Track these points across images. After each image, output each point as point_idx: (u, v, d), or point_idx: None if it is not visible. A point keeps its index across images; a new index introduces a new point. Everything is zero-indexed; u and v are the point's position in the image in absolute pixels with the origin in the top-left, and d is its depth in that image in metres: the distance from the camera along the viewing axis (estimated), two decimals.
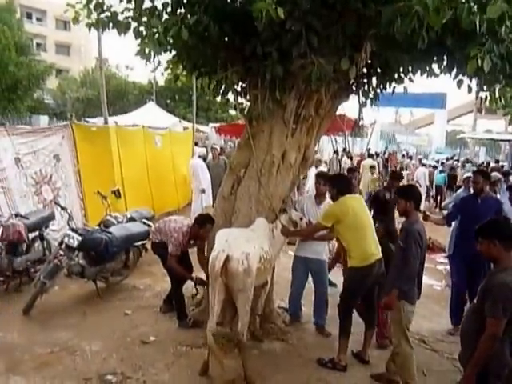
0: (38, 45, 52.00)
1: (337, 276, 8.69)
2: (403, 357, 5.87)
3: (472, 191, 8.40)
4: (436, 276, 11.27)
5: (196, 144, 19.17)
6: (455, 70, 6.43)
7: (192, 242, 7.78)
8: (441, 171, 23.70)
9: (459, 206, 8.33)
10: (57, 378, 5.86)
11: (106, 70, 35.00)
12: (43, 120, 31.83)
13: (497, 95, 6.99)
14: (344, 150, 20.51)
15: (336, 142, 19.32)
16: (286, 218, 7.30)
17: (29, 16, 60.16)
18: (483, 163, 29.82)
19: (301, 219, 7.42)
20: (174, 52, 7.15)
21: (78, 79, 51.93)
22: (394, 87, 7.41)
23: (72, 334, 7.06)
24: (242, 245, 6.07)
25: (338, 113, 8.22)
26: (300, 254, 7.87)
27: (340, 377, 6.39)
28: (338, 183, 6.93)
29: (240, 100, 7.41)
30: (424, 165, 25.29)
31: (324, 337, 7.66)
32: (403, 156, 35.16)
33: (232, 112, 42.96)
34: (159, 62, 7.04)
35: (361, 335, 6.91)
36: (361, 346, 6.93)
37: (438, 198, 22.06)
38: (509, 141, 38.96)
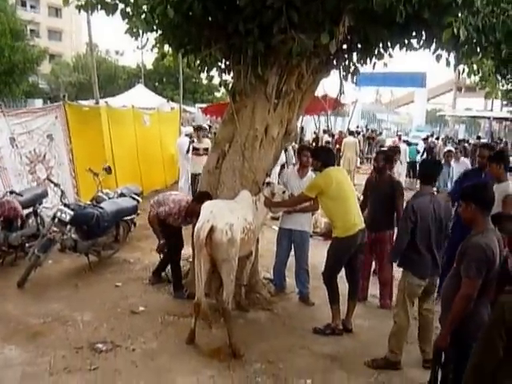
0: (32, 31, 51.35)
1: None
2: (397, 327, 5.82)
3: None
4: None
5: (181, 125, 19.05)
6: (434, 44, 6.36)
7: (189, 219, 7.69)
8: (409, 143, 23.75)
9: (462, 180, 8.20)
10: (49, 347, 5.85)
11: (96, 56, 34.81)
12: (38, 104, 31.94)
13: (474, 67, 6.94)
14: (328, 128, 20.52)
15: (319, 121, 19.35)
16: (269, 190, 7.24)
17: (23, 4, 59.69)
18: (461, 140, 29.91)
19: (283, 192, 7.35)
20: (160, 31, 7.05)
21: (71, 64, 51.80)
22: (375, 63, 7.27)
23: (64, 306, 7.05)
24: (226, 216, 6.01)
25: (320, 93, 8.12)
26: (284, 226, 7.86)
27: (323, 345, 6.37)
28: (322, 155, 6.90)
29: (224, 77, 7.30)
30: (405, 141, 25.23)
31: (307, 306, 7.65)
32: (373, 131, 35.10)
33: (217, 94, 42.97)
34: (147, 39, 7.00)
35: (344, 304, 6.87)
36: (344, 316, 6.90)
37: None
38: (488, 118, 39.04)
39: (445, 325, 4.39)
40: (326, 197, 6.58)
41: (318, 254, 8.06)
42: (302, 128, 20.61)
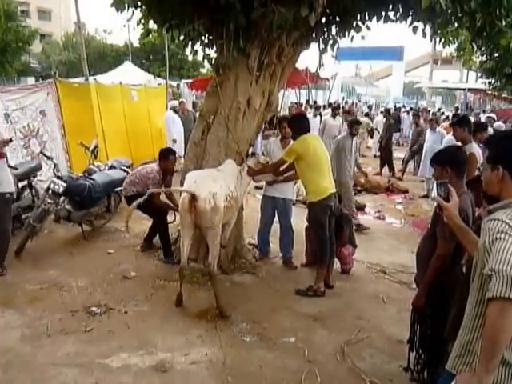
0: (23, 12, 50.61)
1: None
2: None
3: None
4: (395, 215, 11.41)
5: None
6: (410, 16, 6.34)
7: (168, 176, 7.86)
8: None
9: None
10: (47, 311, 5.88)
11: (85, 34, 34.40)
12: (30, 82, 31.54)
13: (450, 38, 6.95)
14: (307, 101, 20.38)
15: (300, 94, 19.23)
16: (253, 161, 7.24)
17: None
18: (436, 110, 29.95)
19: (267, 163, 7.36)
20: (144, 7, 6.98)
21: (61, 43, 51.20)
22: (353, 36, 7.21)
23: (60, 272, 7.08)
24: (209, 185, 6.00)
25: (301, 67, 8.04)
26: (268, 193, 7.88)
27: (305, 305, 6.42)
28: (298, 123, 6.88)
29: (207, 51, 7.23)
30: (382, 112, 25.27)
31: (290, 269, 7.71)
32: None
33: (203, 70, 42.61)
34: (133, 12, 6.90)
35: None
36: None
37: None
38: (464, 89, 39.01)
39: (421, 284, 4.43)
40: (302, 162, 6.57)
41: (300, 220, 8.08)
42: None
